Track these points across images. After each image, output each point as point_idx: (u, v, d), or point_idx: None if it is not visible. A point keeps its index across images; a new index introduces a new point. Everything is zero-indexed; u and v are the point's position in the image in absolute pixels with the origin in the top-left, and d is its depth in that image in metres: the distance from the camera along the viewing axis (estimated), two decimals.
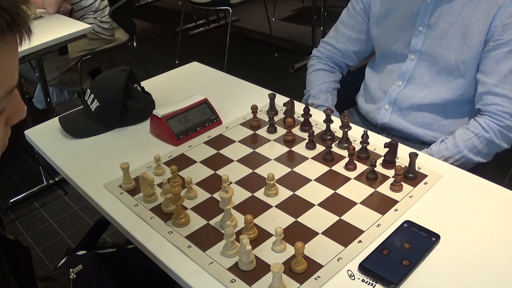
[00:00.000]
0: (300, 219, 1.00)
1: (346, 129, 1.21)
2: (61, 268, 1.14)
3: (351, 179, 1.11)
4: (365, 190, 1.07)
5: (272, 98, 1.34)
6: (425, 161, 1.15)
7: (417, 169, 1.11)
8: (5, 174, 2.68)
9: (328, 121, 1.25)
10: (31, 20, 0.56)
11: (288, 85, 3.54)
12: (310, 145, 1.23)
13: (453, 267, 0.88)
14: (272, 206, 1.04)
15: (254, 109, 1.32)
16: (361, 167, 1.14)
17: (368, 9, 1.57)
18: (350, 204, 1.03)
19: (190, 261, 0.91)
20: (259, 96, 1.46)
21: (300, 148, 1.23)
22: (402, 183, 1.07)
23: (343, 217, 1.00)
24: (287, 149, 1.24)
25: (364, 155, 1.17)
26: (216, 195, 1.07)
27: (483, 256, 0.90)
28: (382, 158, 1.16)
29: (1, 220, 0.76)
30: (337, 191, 1.08)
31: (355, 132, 1.25)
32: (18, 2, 0.53)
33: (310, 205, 1.04)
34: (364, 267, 0.87)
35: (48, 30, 2.36)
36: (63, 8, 2.75)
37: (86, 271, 1.11)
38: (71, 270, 1.09)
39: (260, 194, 1.08)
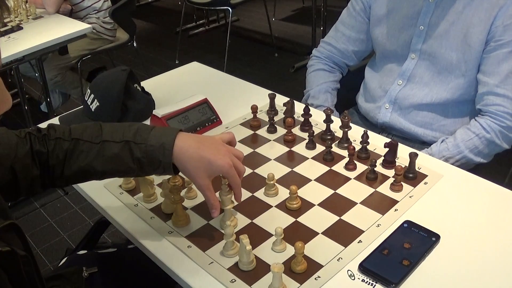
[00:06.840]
0: (300, 219, 1.00)
1: (346, 129, 1.21)
2: (73, 267, 1.11)
3: (351, 179, 1.11)
4: (365, 190, 1.07)
5: (272, 98, 1.34)
6: (425, 161, 1.15)
7: (417, 169, 1.11)
8: None
9: (328, 121, 1.25)
10: None
11: (288, 85, 3.54)
12: (310, 145, 1.23)
13: (453, 267, 0.88)
14: (272, 206, 1.04)
15: (254, 109, 1.32)
16: (361, 167, 1.14)
17: (369, 10, 1.57)
18: (350, 204, 1.03)
19: (190, 261, 0.91)
20: (259, 96, 1.46)
21: (300, 148, 1.23)
22: (402, 183, 1.07)
23: (343, 217, 1.00)
24: (287, 149, 1.23)
25: (364, 155, 1.17)
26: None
27: (483, 256, 0.90)
28: (382, 158, 1.16)
29: None
30: (337, 191, 1.08)
31: (355, 132, 1.25)
32: None
33: (310, 205, 1.04)
34: (364, 267, 0.87)
35: (48, 30, 2.36)
36: (62, 9, 2.74)
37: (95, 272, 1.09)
38: (84, 268, 1.08)
39: (260, 194, 1.08)
